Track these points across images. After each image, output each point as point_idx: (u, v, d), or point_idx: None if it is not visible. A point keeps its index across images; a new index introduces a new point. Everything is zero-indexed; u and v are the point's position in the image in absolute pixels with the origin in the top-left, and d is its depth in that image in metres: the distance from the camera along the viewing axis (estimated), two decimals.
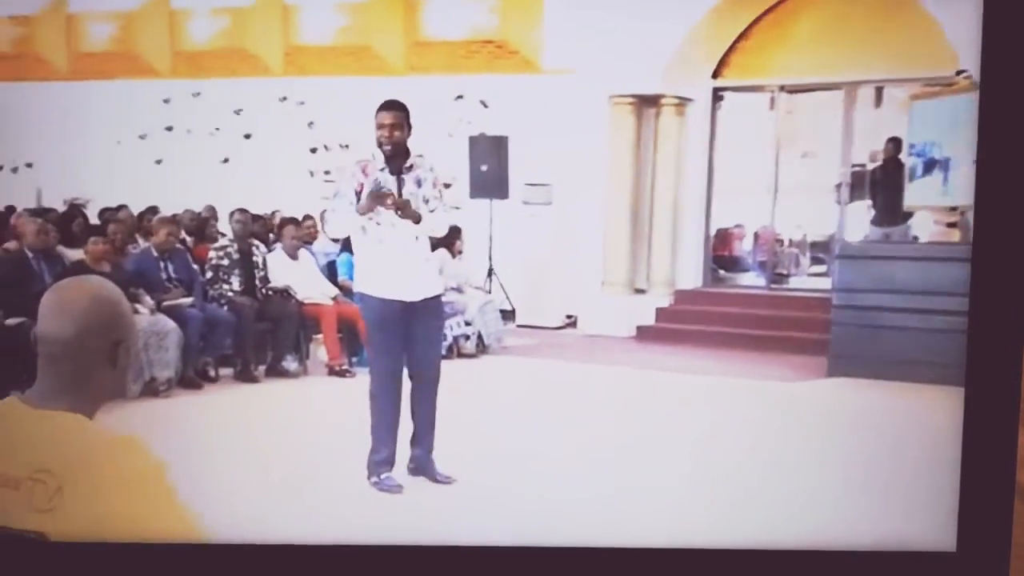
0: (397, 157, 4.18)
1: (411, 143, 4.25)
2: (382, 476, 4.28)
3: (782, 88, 6.90)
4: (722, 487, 4.17)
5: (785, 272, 7.20)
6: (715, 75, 7.02)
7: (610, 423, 5.09)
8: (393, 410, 4.30)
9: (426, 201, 4.24)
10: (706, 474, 4.36)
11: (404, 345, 4.26)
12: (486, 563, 2.84)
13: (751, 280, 7.40)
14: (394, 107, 4.17)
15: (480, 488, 4.24)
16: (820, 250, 7.10)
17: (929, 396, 4.36)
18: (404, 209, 4.17)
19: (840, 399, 5.36)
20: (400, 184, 4.19)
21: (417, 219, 4.19)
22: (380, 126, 4.16)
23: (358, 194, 4.20)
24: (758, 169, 7.01)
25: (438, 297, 4.37)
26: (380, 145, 4.18)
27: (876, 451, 4.12)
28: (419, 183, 4.24)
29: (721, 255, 7.45)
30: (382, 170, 4.20)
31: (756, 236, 7.42)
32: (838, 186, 6.56)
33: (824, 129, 6.87)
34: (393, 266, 4.23)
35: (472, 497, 4.18)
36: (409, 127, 4.19)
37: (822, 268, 7.00)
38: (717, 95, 7.08)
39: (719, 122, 7.12)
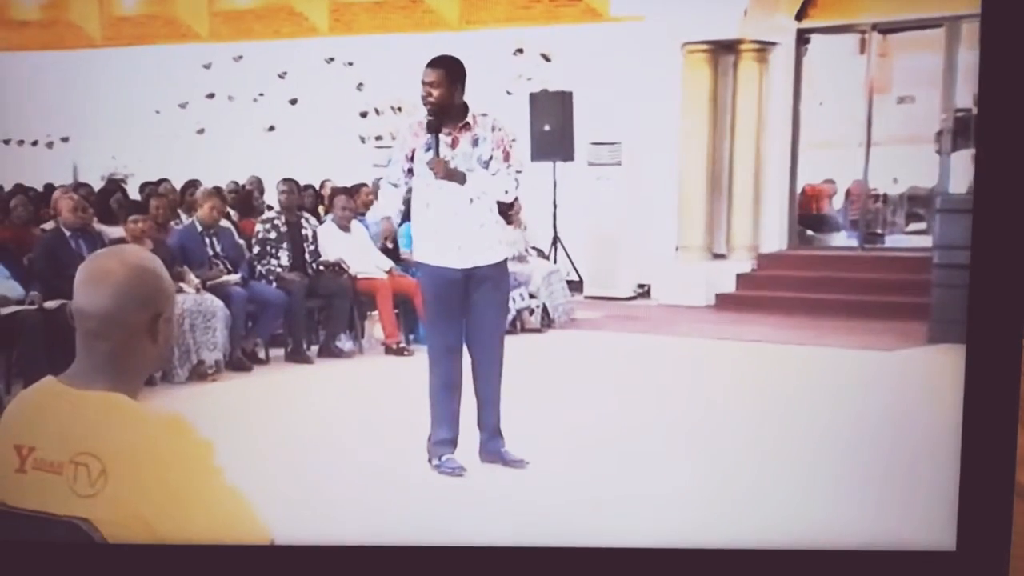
0: (444, 116, 4.17)
1: (469, 103, 4.23)
2: (443, 458, 4.28)
3: (875, 27, 6.71)
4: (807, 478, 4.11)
5: (880, 231, 7.05)
6: (800, 16, 6.86)
7: (688, 401, 5.02)
8: (450, 388, 4.29)
9: (485, 164, 4.21)
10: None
11: (463, 317, 4.26)
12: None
13: (842, 240, 7.25)
14: (436, 64, 4.14)
15: (549, 476, 4.21)
16: (919, 205, 6.91)
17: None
18: (436, 169, 4.16)
19: (943, 368, 5.23)
20: (437, 143, 4.17)
21: (460, 180, 4.17)
22: (422, 84, 4.16)
23: (409, 159, 4.22)
24: (849, 118, 6.85)
25: (498, 265, 4.30)
26: (424, 104, 4.18)
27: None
28: (475, 142, 4.21)
29: (808, 214, 7.31)
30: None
31: (847, 192, 7.26)
32: (939, 134, 6.37)
33: (923, 71, 6.68)
34: (441, 230, 4.22)
35: (540, 485, 4.15)
36: (455, 84, 4.14)
37: (922, 225, 6.83)
38: (802, 38, 6.91)
39: (805, 68, 6.96)
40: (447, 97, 4.14)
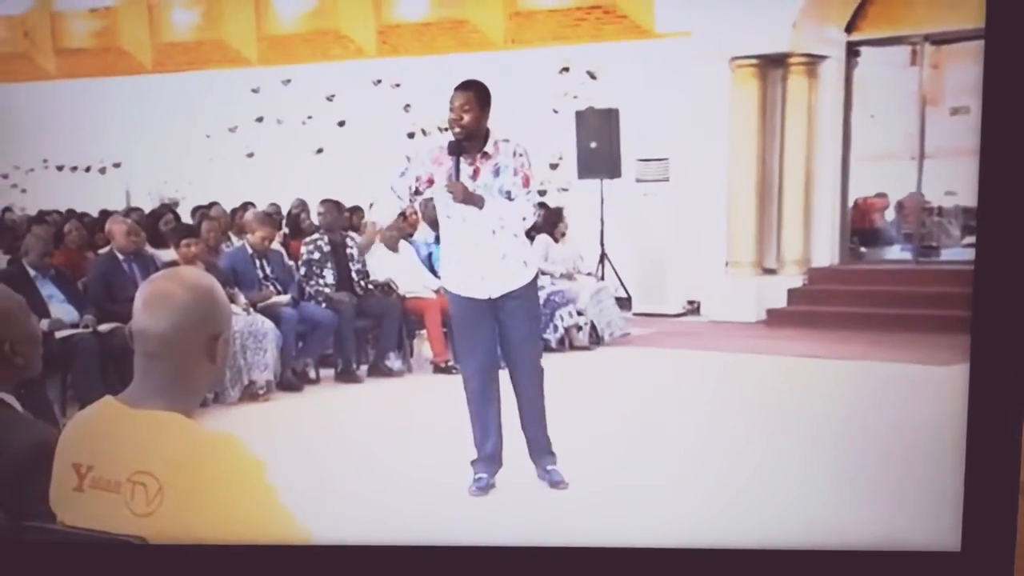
0: (469, 141, 4.10)
1: (512, 122, 4.20)
2: (475, 476, 4.29)
3: (927, 38, 6.63)
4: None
5: (935, 244, 6.94)
6: (850, 28, 6.79)
7: (740, 418, 4.97)
8: (484, 409, 4.27)
9: (507, 193, 4.15)
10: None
11: (496, 341, 4.24)
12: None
13: (895, 254, 7.16)
14: (464, 87, 4.06)
15: (598, 492, 4.19)
16: (976, 218, 6.79)
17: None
18: (455, 192, 4.10)
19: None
20: (458, 165, 4.12)
21: (479, 204, 4.10)
22: (450, 108, 4.08)
23: (423, 181, 4.18)
24: (901, 131, 6.77)
25: (525, 288, 4.22)
26: (451, 129, 4.12)
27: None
28: (497, 172, 4.13)
29: (861, 228, 7.23)
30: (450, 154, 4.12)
31: (900, 205, 7.17)
32: None
33: (976, 82, 6.57)
34: (464, 261, 4.18)
35: (591, 502, 4.13)
36: (484, 108, 4.06)
37: None
38: (852, 50, 6.83)
39: (856, 81, 6.88)
40: (477, 121, 4.05)
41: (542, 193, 4.32)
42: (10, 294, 2.35)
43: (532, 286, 4.29)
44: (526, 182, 4.15)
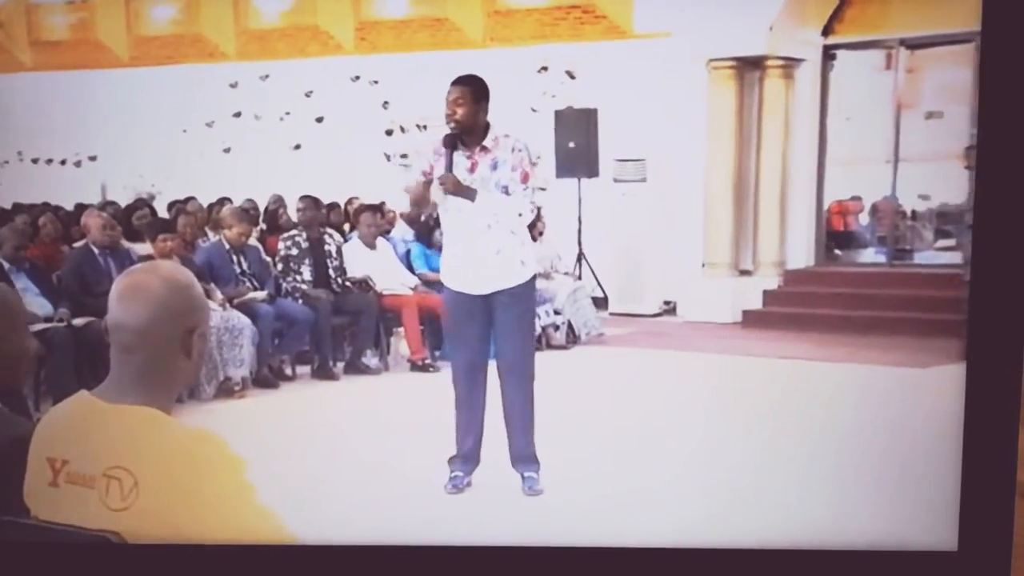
0: (467, 135, 4.14)
1: (491, 120, 4.19)
2: (451, 474, 4.29)
3: (903, 43, 6.67)
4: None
5: (909, 247, 7.00)
6: (826, 32, 6.83)
7: (717, 418, 4.99)
8: (469, 405, 4.28)
9: (504, 189, 4.17)
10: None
11: (488, 337, 4.24)
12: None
13: (870, 257, 7.21)
14: (460, 82, 4.12)
15: (575, 491, 4.20)
16: (949, 221, 6.86)
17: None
18: (446, 184, 4.12)
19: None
20: (451, 158, 4.15)
21: (471, 196, 4.12)
22: (446, 102, 4.13)
23: (427, 175, 4.21)
24: (876, 134, 6.81)
25: (522, 287, 4.23)
26: (447, 122, 4.16)
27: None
28: (495, 166, 4.15)
29: (836, 231, 7.28)
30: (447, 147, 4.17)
31: (875, 208, 7.22)
32: (968, 149, 6.32)
33: (951, 86, 6.62)
34: (460, 257, 4.21)
35: (567, 501, 4.14)
36: (479, 103, 4.11)
37: (951, 241, 6.78)
38: (829, 54, 6.87)
39: (831, 84, 6.93)
40: (471, 115, 4.10)
41: None
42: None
43: (527, 287, 4.28)
44: (524, 178, 4.17)
